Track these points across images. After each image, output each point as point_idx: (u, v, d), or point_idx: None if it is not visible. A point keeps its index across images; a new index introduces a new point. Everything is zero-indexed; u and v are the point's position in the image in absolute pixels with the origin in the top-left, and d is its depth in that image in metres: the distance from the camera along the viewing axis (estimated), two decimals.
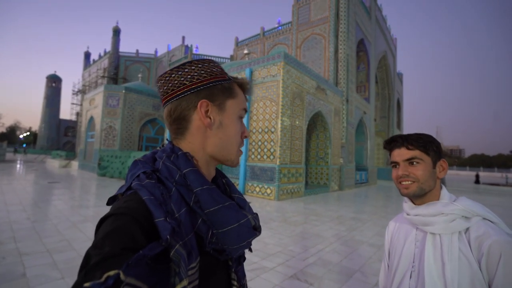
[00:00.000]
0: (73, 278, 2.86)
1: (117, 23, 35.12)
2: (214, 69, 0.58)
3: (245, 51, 15.62)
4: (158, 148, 0.60)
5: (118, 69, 32.40)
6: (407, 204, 0.91)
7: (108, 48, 34.26)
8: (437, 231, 0.78)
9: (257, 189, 9.87)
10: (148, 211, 0.44)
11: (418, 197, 0.86)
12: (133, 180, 0.51)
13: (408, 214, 0.88)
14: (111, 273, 0.33)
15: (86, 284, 0.33)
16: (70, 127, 52.62)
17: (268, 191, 9.50)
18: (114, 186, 11.07)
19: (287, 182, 9.86)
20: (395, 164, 0.90)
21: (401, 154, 0.87)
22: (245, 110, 0.63)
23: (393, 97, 27.00)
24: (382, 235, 5.22)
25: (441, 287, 0.72)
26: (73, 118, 37.61)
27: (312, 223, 6.00)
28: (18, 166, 20.02)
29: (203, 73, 0.56)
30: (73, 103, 35.42)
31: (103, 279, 0.33)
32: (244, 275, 0.65)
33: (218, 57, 26.26)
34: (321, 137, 13.60)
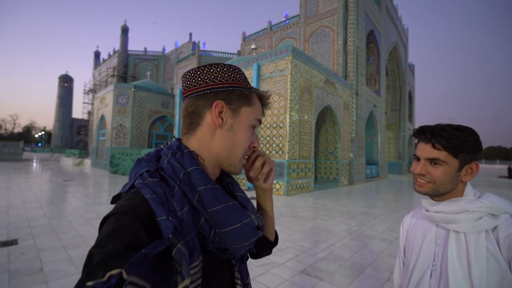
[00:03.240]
0: None
1: (125, 21, 35.50)
2: (237, 76, 0.60)
3: (252, 46, 15.52)
4: (162, 146, 0.60)
5: (127, 68, 32.84)
6: (426, 200, 0.85)
7: (117, 47, 34.73)
8: (462, 229, 0.72)
9: None
10: (150, 210, 0.45)
11: (433, 196, 0.81)
12: (136, 178, 0.51)
13: (427, 211, 0.83)
14: (114, 272, 0.34)
15: (89, 283, 0.33)
16: (83, 125, 53.96)
17: (277, 186, 9.49)
18: (124, 183, 11.30)
19: (296, 177, 9.82)
20: (416, 158, 0.83)
21: (425, 150, 0.79)
22: (259, 121, 0.63)
23: (404, 90, 26.35)
24: (393, 230, 5.14)
25: (467, 287, 0.68)
26: (85, 117, 38.46)
27: (322, 218, 5.97)
28: (34, 164, 20.68)
29: (226, 77, 0.58)
30: (84, 102, 36.20)
31: (106, 278, 0.33)
32: (248, 274, 0.64)
33: (226, 52, 26.20)
34: (330, 131, 13.44)
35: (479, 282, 0.66)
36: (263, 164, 0.65)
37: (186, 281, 0.41)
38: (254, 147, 0.63)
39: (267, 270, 3.14)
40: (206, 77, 0.57)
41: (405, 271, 0.91)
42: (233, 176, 0.68)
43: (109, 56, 36.35)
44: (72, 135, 53.60)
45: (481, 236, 0.70)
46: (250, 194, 9.04)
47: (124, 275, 0.33)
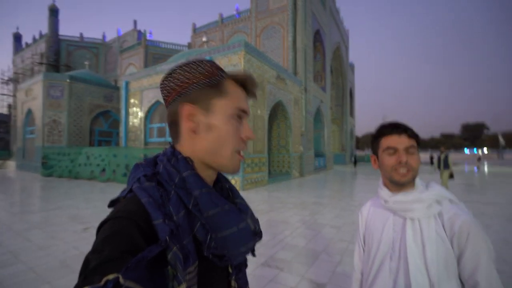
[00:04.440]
0: None
1: (54, 1, 31.01)
2: (199, 69, 0.55)
3: (204, 39, 15.12)
4: (161, 151, 0.59)
5: (59, 55, 28.90)
6: (384, 192, 0.95)
7: (44, 30, 30.23)
8: (417, 216, 0.85)
9: None
10: (146, 214, 0.45)
11: (400, 185, 0.91)
12: (134, 182, 0.51)
13: (386, 201, 0.93)
14: (110, 276, 0.33)
15: None
16: (2, 121, 45.91)
17: (233, 181, 9.54)
18: (63, 187, 10.08)
19: (251, 171, 10.00)
20: (392, 151, 0.90)
21: (401, 141, 0.88)
22: (243, 110, 0.58)
23: (346, 87, 28.73)
24: (340, 217, 5.64)
25: (422, 266, 0.81)
26: (5, 111, 32.79)
27: (277, 211, 6.23)
28: None
29: (188, 75, 0.55)
30: (3, 94, 30.82)
31: (102, 283, 0.33)
32: (247, 283, 0.64)
33: (175, 44, 24.98)
34: (282, 126, 13.97)
35: (431, 259, 0.80)
36: None
37: (183, 286, 0.41)
38: (247, 137, 0.58)
39: None
40: (172, 84, 0.55)
41: (366, 257, 1.02)
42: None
43: (35, 40, 31.42)
44: None
45: (431, 221, 0.84)
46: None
47: (121, 280, 0.33)
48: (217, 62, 10.30)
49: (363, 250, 1.07)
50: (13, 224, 4.91)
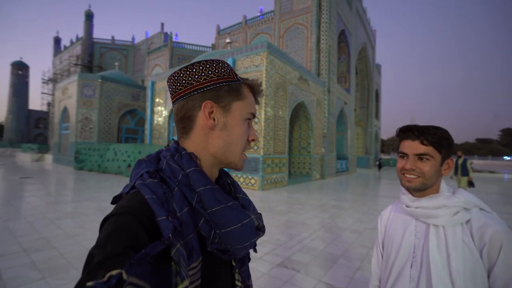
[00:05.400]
0: (54, 278, 2.76)
1: (90, 6, 33.05)
2: (222, 70, 0.57)
3: (227, 40, 15.32)
4: (163, 147, 0.60)
5: (92, 57, 30.72)
6: (406, 196, 0.90)
7: (81, 33, 32.26)
8: (442, 223, 0.79)
9: (241, 179, 9.91)
10: (150, 210, 0.45)
11: (419, 191, 0.86)
12: (136, 179, 0.51)
13: (407, 206, 0.88)
14: (114, 272, 0.34)
15: (89, 283, 0.33)
16: (42, 118, 49.64)
17: (253, 181, 9.57)
18: (92, 180, 10.67)
19: (271, 172, 9.97)
20: (403, 155, 0.87)
21: (413, 147, 0.84)
22: (253, 114, 0.61)
23: (372, 88, 27.76)
24: (362, 222, 5.45)
25: (446, 276, 0.75)
26: (44, 108, 35.38)
27: (296, 212, 6.15)
28: None
29: (210, 74, 0.56)
30: (43, 93, 33.28)
31: (106, 278, 0.33)
32: (249, 276, 0.65)
33: (200, 45, 25.58)
34: (304, 127, 13.79)
35: (457, 270, 0.74)
36: None
37: (186, 282, 0.41)
38: (253, 139, 0.61)
39: None
40: (190, 78, 0.55)
41: (385, 263, 0.97)
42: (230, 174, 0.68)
43: (72, 43, 33.64)
44: (29, 128, 49.07)
45: (458, 229, 0.78)
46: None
47: (124, 276, 0.34)
48: (240, 63, 10.42)
49: (382, 256, 1.02)
50: (47, 213, 5.28)
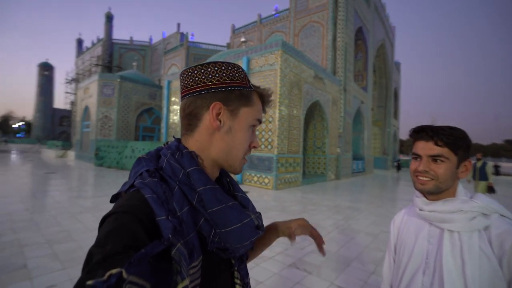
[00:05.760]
0: (74, 268, 2.88)
1: (110, 8, 34.20)
2: (236, 74, 0.57)
3: (242, 39, 15.38)
4: (163, 145, 0.60)
5: (112, 57, 31.80)
6: (420, 199, 0.86)
7: (101, 35, 33.47)
8: (457, 228, 0.75)
9: (255, 178, 9.93)
10: (150, 210, 0.45)
11: (433, 194, 0.82)
12: (136, 178, 0.51)
13: (421, 210, 0.85)
14: (114, 271, 0.34)
15: (89, 282, 0.33)
16: (65, 116, 52.04)
17: (266, 180, 9.56)
18: (111, 176, 11.05)
19: (285, 171, 9.91)
20: (416, 156, 0.83)
21: (427, 148, 0.80)
22: (259, 121, 0.62)
23: (390, 87, 26.93)
24: (378, 224, 5.31)
25: (460, 284, 0.71)
26: (68, 107, 37.05)
27: (310, 212, 6.08)
28: (13, 156, 19.83)
29: (224, 76, 0.56)
30: (67, 92, 34.85)
31: (105, 277, 0.33)
32: (247, 274, 0.65)
33: (215, 45, 25.81)
34: (319, 126, 13.61)
35: (472, 279, 0.69)
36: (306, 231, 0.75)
37: (186, 281, 0.41)
38: (254, 146, 0.61)
39: (257, 264, 3.18)
40: (203, 77, 0.55)
41: (396, 268, 0.93)
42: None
43: (93, 44, 34.98)
44: (53, 126, 51.61)
45: (474, 235, 0.73)
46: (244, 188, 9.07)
47: (124, 275, 0.34)
48: (254, 61, 10.41)
49: (394, 261, 0.98)
50: (69, 207, 5.52)
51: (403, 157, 49.11)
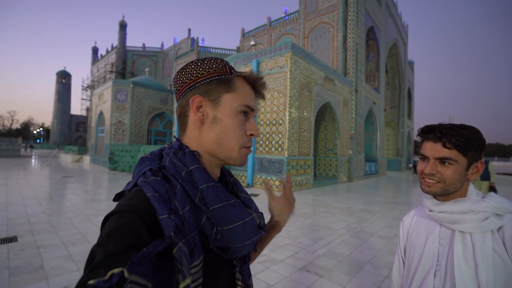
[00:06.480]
0: None
1: (123, 17, 35.24)
2: (214, 65, 0.58)
3: (252, 42, 15.45)
4: (166, 145, 0.61)
5: (125, 64, 32.66)
6: (429, 200, 0.83)
7: (115, 43, 34.48)
8: (468, 229, 0.72)
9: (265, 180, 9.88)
10: (152, 208, 0.45)
11: (441, 196, 0.79)
12: (139, 177, 0.52)
13: (431, 211, 0.82)
14: (116, 270, 0.34)
15: (91, 282, 0.33)
16: (81, 122, 53.75)
17: (277, 183, 9.51)
18: (125, 180, 11.29)
19: (296, 174, 9.83)
20: (424, 157, 0.80)
21: (434, 149, 0.77)
22: (250, 108, 0.59)
23: (403, 87, 26.34)
24: (392, 227, 5.17)
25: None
26: (84, 113, 38.29)
27: (321, 215, 5.99)
28: (33, 161, 20.63)
29: (201, 70, 0.57)
30: (83, 99, 35.98)
31: (107, 276, 0.33)
32: (250, 275, 0.64)
33: (225, 49, 26.06)
34: (330, 128, 13.45)
35: (486, 282, 0.65)
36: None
37: (188, 280, 0.41)
38: (252, 134, 0.59)
39: (267, 267, 3.15)
40: (184, 77, 0.57)
41: (406, 271, 0.90)
42: (238, 171, 0.68)
43: (107, 52, 36.09)
44: (70, 132, 53.45)
45: (487, 236, 0.69)
46: (250, 191, 9.04)
47: (126, 274, 0.33)
48: (264, 64, 10.44)
49: (403, 264, 0.95)
50: (85, 210, 5.68)
51: (418, 159, 47.66)
